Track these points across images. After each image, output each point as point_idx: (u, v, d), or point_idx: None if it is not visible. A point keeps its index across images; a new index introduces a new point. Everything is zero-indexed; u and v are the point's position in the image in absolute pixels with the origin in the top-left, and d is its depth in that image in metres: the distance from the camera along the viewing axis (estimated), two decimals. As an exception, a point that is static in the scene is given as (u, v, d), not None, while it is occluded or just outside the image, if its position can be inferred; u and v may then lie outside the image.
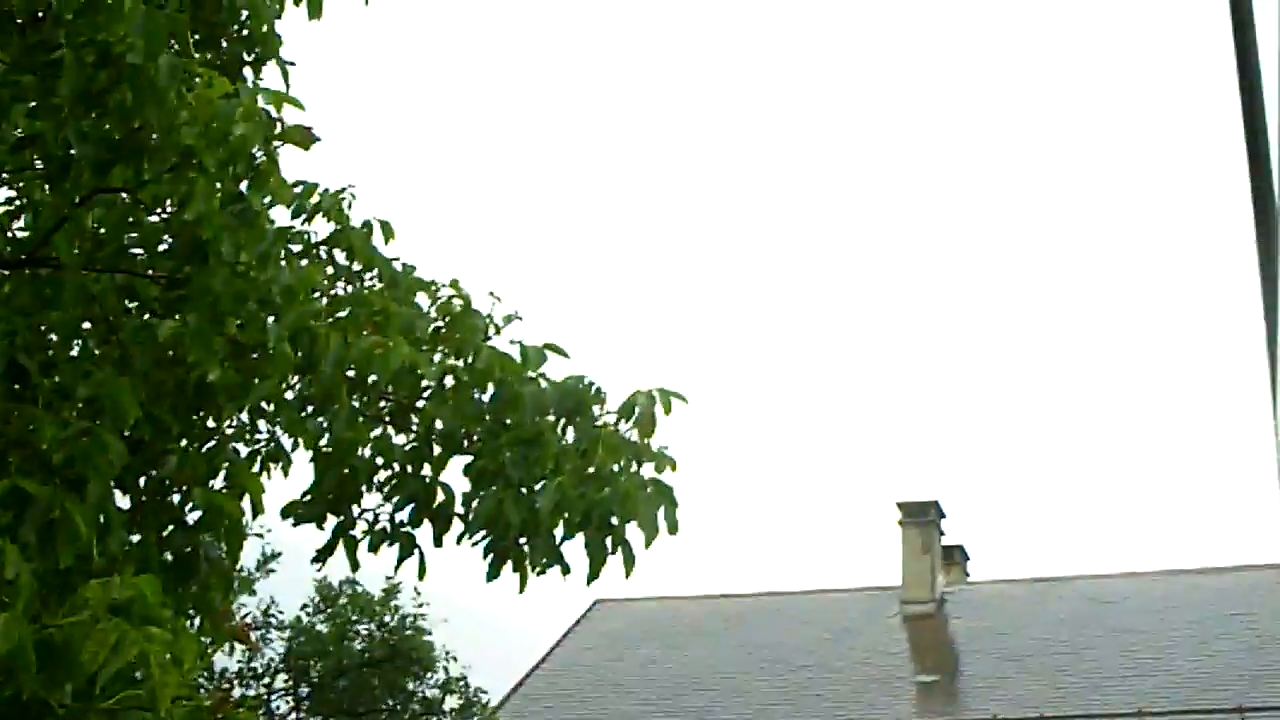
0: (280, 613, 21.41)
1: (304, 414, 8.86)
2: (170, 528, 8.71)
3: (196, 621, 8.97)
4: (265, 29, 9.54)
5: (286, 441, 9.04)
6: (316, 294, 8.95)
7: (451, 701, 21.04)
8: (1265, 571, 31.06)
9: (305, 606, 21.34)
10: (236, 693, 19.99)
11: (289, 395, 8.88)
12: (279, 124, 8.49)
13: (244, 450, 9.05)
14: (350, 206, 9.24)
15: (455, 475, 8.93)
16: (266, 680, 21.04)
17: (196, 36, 9.07)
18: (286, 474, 9.14)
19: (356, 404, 8.84)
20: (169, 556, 8.64)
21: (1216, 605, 30.53)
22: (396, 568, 9.16)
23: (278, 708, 21.10)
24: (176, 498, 8.77)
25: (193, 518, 8.71)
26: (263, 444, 9.09)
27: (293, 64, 9.67)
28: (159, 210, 8.57)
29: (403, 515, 9.01)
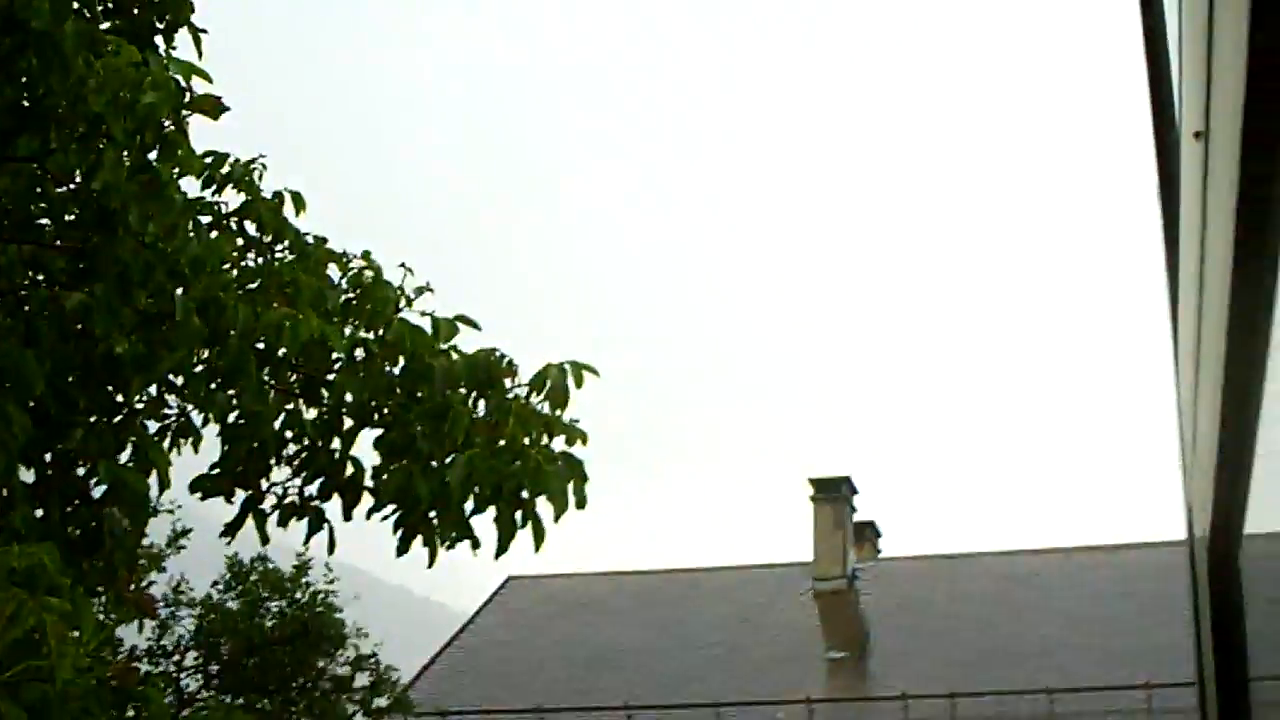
0: (191, 590, 21.27)
1: (212, 387, 8.79)
2: (76, 502, 8.63)
3: (102, 597, 8.89)
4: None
5: (196, 417, 8.97)
6: (226, 265, 8.87)
7: (362, 679, 20.95)
8: (1170, 549, 31.33)
9: (216, 584, 21.20)
10: (145, 669, 19.86)
11: (198, 368, 8.80)
12: (188, 93, 8.41)
13: (153, 426, 8.97)
14: (261, 178, 9.17)
15: (365, 449, 8.89)
16: (176, 658, 20.89)
17: (107, 4, 8.97)
18: (196, 450, 9.06)
19: (265, 377, 8.78)
20: (74, 530, 8.56)
21: (1123, 583, 30.75)
22: (305, 541, 9.12)
23: (187, 685, 20.97)
24: (82, 471, 8.69)
25: (98, 492, 8.64)
26: (171, 419, 9.01)
27: (205, 31, 9.57)
28: (66, 180, 8.47)
29: (312, 489, 8.96)
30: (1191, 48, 3.48)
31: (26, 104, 7.99)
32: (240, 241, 9.11)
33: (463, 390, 8.75)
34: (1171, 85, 5.77)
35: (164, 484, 8.75)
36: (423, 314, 8.97)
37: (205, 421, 8.94)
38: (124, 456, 8.72)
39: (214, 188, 9.09)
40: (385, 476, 8.73)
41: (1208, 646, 4.98)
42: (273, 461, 8.94)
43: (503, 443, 8.54)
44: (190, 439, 9.01)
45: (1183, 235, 4.56)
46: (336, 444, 8.91)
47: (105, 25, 8.74)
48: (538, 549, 8.49)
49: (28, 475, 8.43)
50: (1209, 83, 3.15)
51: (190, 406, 8.94)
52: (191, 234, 8.47)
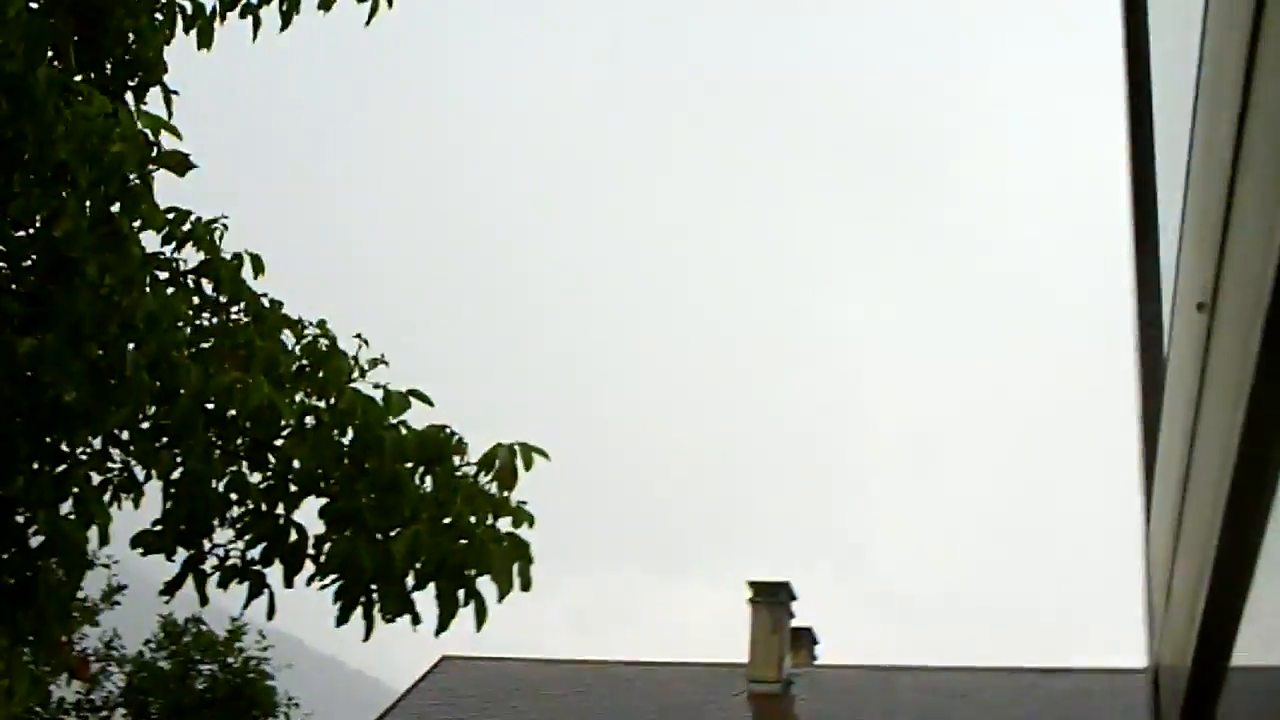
0: (123, 646, 21.10)
1: (159, 444, 8.72)
2: (12, 549, 8.54)
3: (31, 651, 8.79)
4: (151, 54, 9.44)
5: (139, 472, 8.90)
6: (181, 324, 8.82)
7: (290, 749, 20.80)
8: (1104, 676, 31.32)
9: (149, 641, 21.01)
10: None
11: (145, 425, 8.73)
12: (156, 148, 8.39)
13: (96, 479, 8.89)
14: (221, 238, 9.13)
15: (310, 516, 8.82)
16: (105, 713, 20.69)
17: (81, 56, 8.95)
18: (137, 505, 8.98)
19: (213, 438, 8.71)
20: (8, 579, 8.47)
21: (1056, 706, 30.73)
22: (245, 606, 9.02)
23: (113, 744, 20.78)
24: (21, 520, 8.60)
25: (35, 542, 8.55)
26: (115, 473, 8.94)
27: (176, 93, 9.57)
28: (26, 224, 8.42)
29: (254, 553, 8.88)
30: (1199, 221, 3.47)
31: (-8, 146, 7.95)
32: (196, 300, 9.06)
33: (411, 465, 8.70)
34: (1159, 259, 5.79)
35: (104, 539, 8.67)
36: (375, 386, 8.93)
37: (148, 478, 8.86)
38: (65, 508, 8.64)
39: (174, 244, 9.05)
40: (329, 545, 8.66)
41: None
42: (216, 523, 8.86)
43: (449, 520, 8.49)
44: (132, 495, 8.93)
45: (1168, 407, 4.55)
46: (281, 509, 8.84)
47: (79, 76, 8.73)
48: (479, 628, 8.42)
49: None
50: (1221, 258, 3.12)
51: (134, 462, 8.86)
52: (148, 289, 8.42)
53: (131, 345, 8.28)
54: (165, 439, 8.72)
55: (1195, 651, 3.93)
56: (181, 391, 8.42)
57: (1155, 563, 5.25)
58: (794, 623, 34.18)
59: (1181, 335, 3.97)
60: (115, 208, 8.06)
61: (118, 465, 8.94)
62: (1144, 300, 6.47)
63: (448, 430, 8.79)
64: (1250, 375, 2.76)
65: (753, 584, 33.79)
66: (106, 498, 8.85)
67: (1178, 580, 4.17)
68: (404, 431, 8.74)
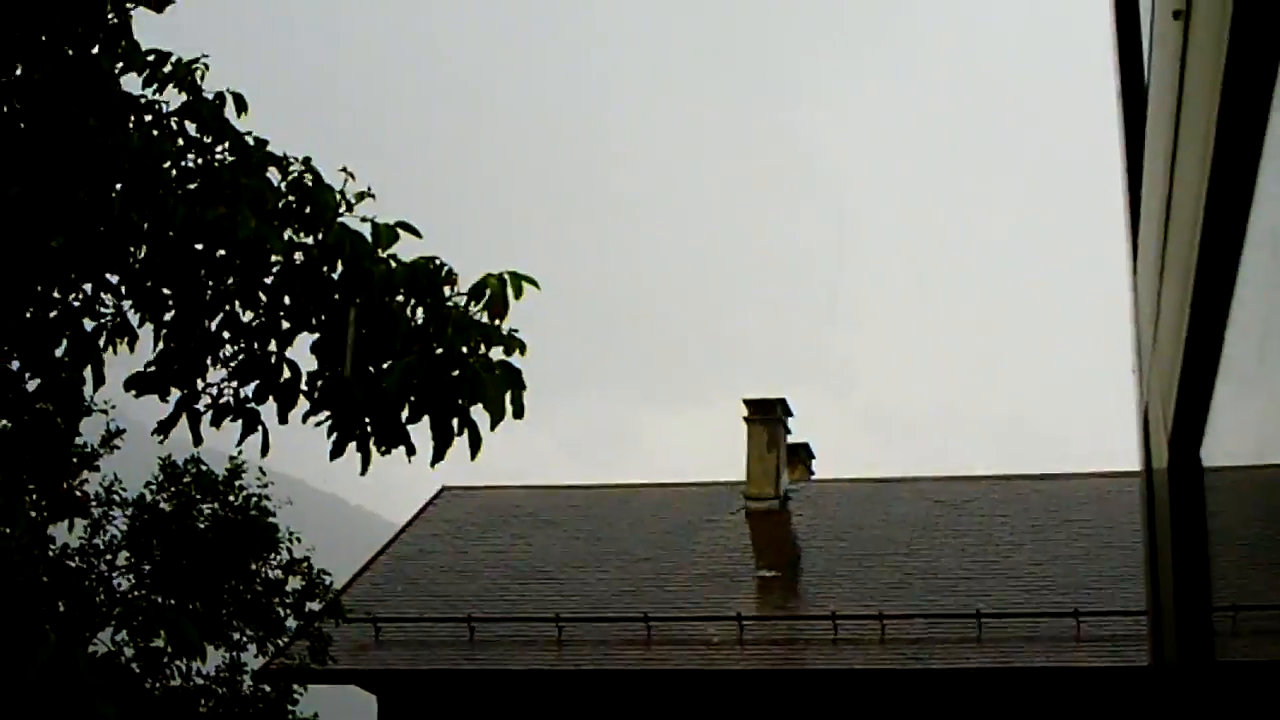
0: (124, 490, 21.16)
1: (149, 284, 8.74)
2: (8, 395, 8.59)
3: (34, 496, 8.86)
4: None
5: (133, 317, 8.93)
6: (166, 165, 8.81)
7: (294, 583, 20.92)
8: (1101, 479, 31.50)
9: (149, 484, 21.10)
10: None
11: (135, 266, 8.75)
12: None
13: (90, 325, 8.92)
14: (203, 78, 9.10)
15: (302, 353, 8.86)
16: (109, 557, 20.82)
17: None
18: (132, 349, 9.02)
19: (204, 276, 8.73)
20: (6, 424, 8.53)
21: (1055, 510, 30.90)
22: (239, 443, 9.09)
23: (119, 585, 20.91)
24: (16, 366, 8.64)
25: (32, 385, 8.60)
26: (108, 319, 8.96)
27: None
28: (6, 72, 8.39)
29: (247, 391, 8.93)
30: None
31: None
32: (181, 142, 9.04)
33: (401, 297, 8.72)
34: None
35: (98, 380, 8.71)
36: (363, 220, 8.93)
37: (142, 322, 8.89)
38: (59, 355, 8.68)
39: (155, 87, 9.02)
40: (321, 381, 8.70)
41: (1165, 562, 4.94)
42: (209, 362, 8.90)
43: (440, 351, 8.52)
44: (126, 339, 8.97)
45: (1151, 124, 4.53)
46: (274, 347, 8.88)
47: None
48: (474, 457, 8.48)
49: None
50: None
51: (128, 305, 8.89)
52: (132, 129, 8.41)
53: (118, 186, 8.28)
54: (155, 279, 8.74)
55: (1180, 380, 3.96)
56: (170, 229, 8.43)
57: (1142, 297, 5.25)
58: (790, 439, 34.27)
59: (1161, 51, 3.95)
60: (95, 49, 8.02)
61: (110, 311, 8.97)
62: (1122, 13, 6.41)
63: (437, 262, 8.80)
64: (1221, 77, 2.79)
65: (748, 402, 33.83)
66: (101, 343, 8.88)
67: (1164, 308, 4.19)
68: (393, 264, 8.76)
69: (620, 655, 27.76)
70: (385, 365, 8.54)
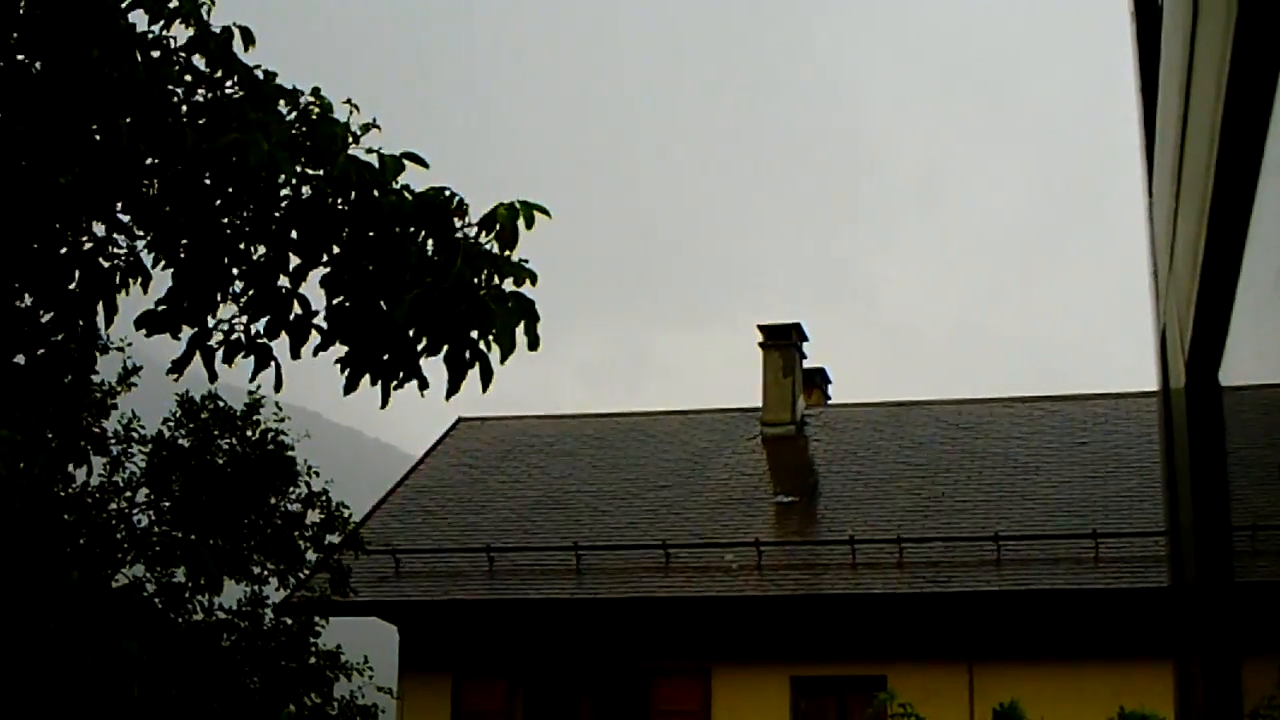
0: (142, 428, 21.19)
1: (161, 220, 8.72)
2: (24, 329, 8.58)
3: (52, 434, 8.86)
4: None
5: (146, 257, 8.91)
6: (175, 100, 8.78)
7: (313, 516, 20.95)
8: (1118, 400, 31.49)
9: (167, 421, 21.12)
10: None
11: (147, 203, 8.73)
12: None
13: (104, 265, 8.90)
14: (209, 12, 9.05)
15: (313, 287, 8.84)
16: (128, 494, 20.86)
17: None
18: (145, 289, 9.01)
19: (215, 207, 8.70)
20: (20, 355, 8.53)
21: (1071, 432, 30.89)
22: (252, 378, 9.08)
23: (139, 521, 20.96)
24: (30, 302, 8.64)
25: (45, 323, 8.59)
26: (120, 258, 8.95)
27: None
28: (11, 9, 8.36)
29: (259, 326, 8.91)
30: None
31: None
32: (188, 77, 9.00)
33: (411, 229, 8.68)
34: None
35: (110, 313, 8.70)
36: (369, 151, 8.89)
37: (156, 262, 8.87)
38: (72, 289, 8.67)
39: (162, 22, 8.97)
40: (331, 315, 8.68)
41: (1184, 483, 4.91)
42: (220, 298, 8.88)
43: (450, 282, 8.48)
44: (139, 278, 8.95)
45: (1165, 41, 4.47)
46: (284, 281, 8.85)
47: None
48: (485, 389, 8.45)
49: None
50: None
51: (140, 243, 8.87)
52: (139, 61, 8.37)
53: (126, 120, 8.24)
54: (167, 214, 8.72)
55: (1197, 301, 3.92)
56: (180, 156, 8.40)
57: (1158, 218, 5.21)
58: (806, 364, 34.27)
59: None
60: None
61: (124, 250, 8.95)
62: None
63: (447, 192, 8.76)
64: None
65: (763, 327, 33.80)
66: (115, 281, 8.87)
67: (1180, 228, 4.14)
68: (403, 196, 8.72)
69: (639, 583, 27.82)
70: (395, 297, 8.51)
